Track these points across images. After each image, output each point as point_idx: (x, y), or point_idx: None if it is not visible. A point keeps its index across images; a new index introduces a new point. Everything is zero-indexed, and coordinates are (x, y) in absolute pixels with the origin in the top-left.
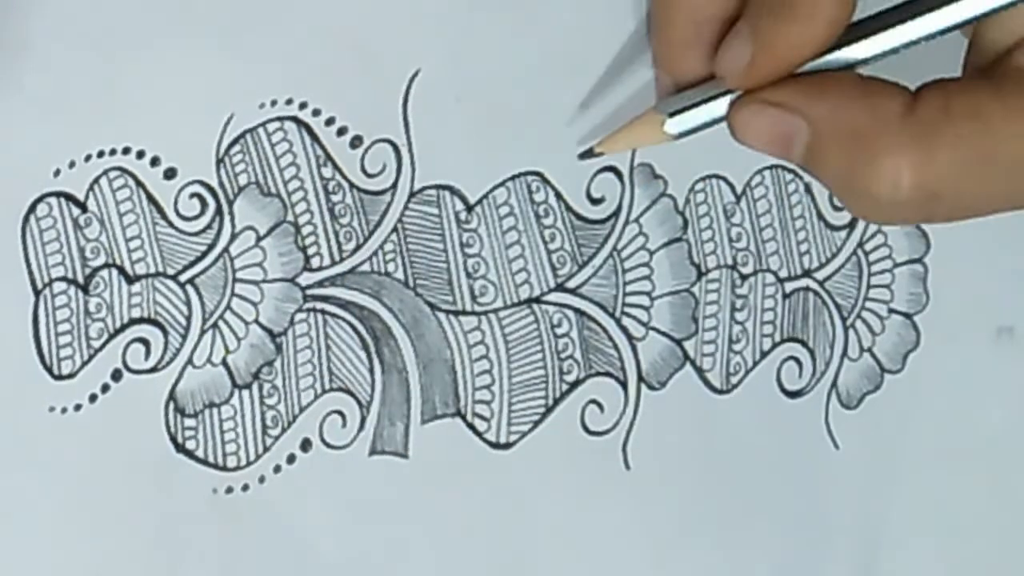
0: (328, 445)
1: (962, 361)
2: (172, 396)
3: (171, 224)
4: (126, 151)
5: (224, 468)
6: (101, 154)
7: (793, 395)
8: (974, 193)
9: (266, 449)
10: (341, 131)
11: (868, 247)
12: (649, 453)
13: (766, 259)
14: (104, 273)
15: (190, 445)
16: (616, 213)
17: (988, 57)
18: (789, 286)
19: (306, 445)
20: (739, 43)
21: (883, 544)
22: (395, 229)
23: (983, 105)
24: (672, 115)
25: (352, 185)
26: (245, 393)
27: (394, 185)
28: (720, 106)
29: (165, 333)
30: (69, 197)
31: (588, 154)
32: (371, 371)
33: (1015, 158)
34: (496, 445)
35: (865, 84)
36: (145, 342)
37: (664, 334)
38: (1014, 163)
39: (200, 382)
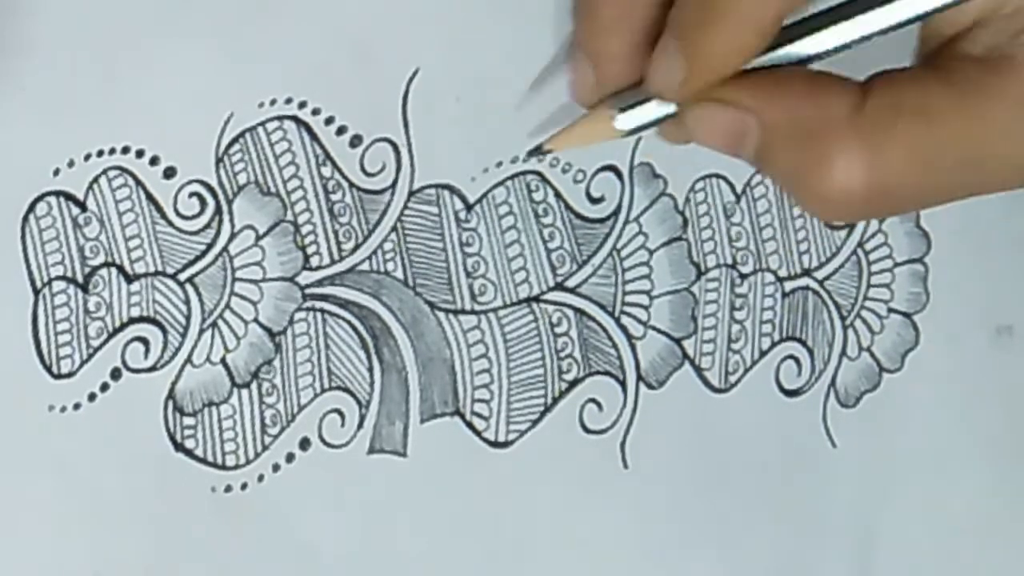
0: (327, 444)
1: (961, 360)
2: (171, 395)
3: (170, 223)
4: (125, 150)
5: (223, 467)
6: (101, 153)
7: (792, 394)
8: (922, 188)
9: (265, 448)
10: (340, 130)
11: (868, 246)
12: (648, 452)
13: (766, 258)
14: (103, 272)
15: (189, 444)
16: (616, 212)
17: (934, 46)
18: (788, 285)
19: (305, 444)
20: (668, 59)
21: (880, 542)
22: (394, 228)
23: (932, 100)
24: (623, 111)
25: (351, 184)
26: (244, 392)
27: (393, 184)
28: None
29: (164, 332)
30: (69, 196)
31: (537, 151)
32: (370, 370)
33: (962, 153)
34: (495, 444)
35: (815, 81)
36: (144, 341)
37: (663, 333)
38: (961, 158)
39: (199, 381)
